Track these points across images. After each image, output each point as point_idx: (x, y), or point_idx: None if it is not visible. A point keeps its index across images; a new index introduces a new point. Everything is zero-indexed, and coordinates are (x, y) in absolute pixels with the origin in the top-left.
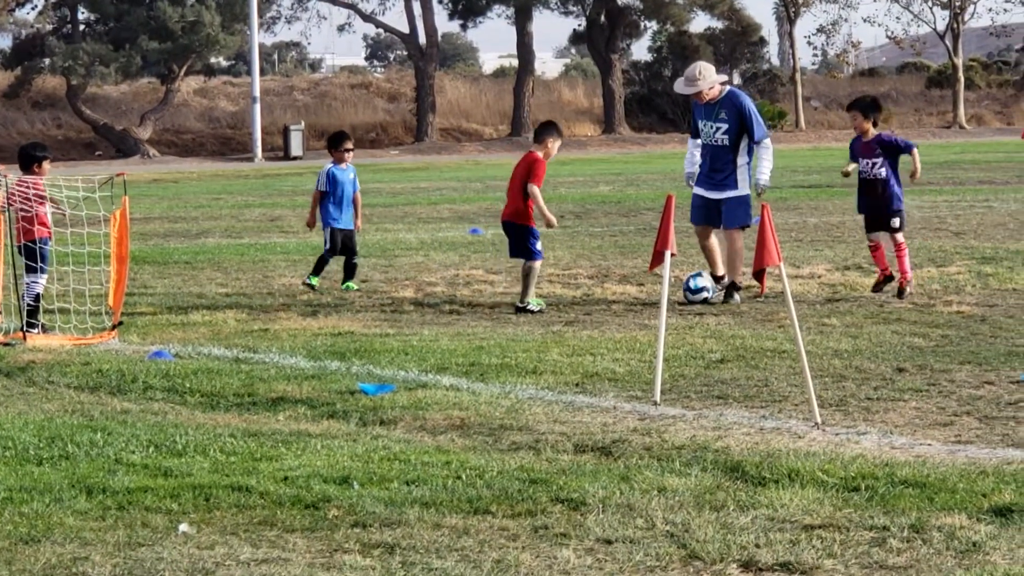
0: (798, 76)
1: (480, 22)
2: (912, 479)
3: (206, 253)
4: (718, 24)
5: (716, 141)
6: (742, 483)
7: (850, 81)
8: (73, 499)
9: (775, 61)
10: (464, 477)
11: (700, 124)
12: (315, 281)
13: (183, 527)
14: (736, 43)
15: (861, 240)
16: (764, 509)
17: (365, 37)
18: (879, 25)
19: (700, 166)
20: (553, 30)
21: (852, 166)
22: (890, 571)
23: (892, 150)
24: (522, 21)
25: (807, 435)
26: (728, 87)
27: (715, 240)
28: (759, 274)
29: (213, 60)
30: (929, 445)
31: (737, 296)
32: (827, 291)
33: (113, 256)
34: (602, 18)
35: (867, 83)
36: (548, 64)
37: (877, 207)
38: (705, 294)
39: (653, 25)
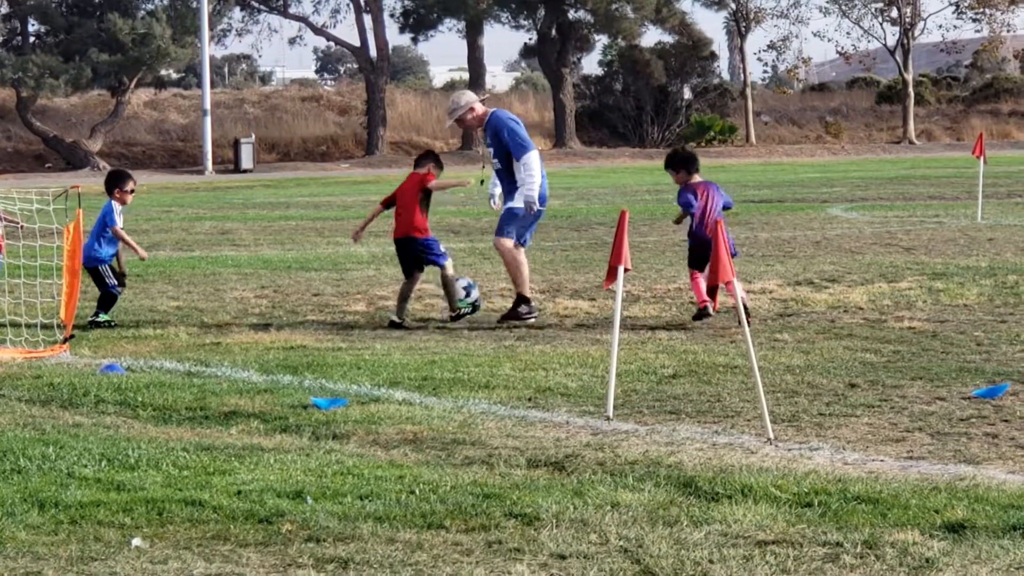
0: (748, 91)
1: (431, 36)
2: (865, 495)
3: (157, 266)
4: (669, 38)
5: (493, 165)
6: (695, 499)
7: (800, 96)
8: (25, 513)
9: (726, 76)
10: (418, 492)
11: (486, 154)
12: (106, 317)
13: (136, 541)
14: (687, 57)
15: (812, 255)
16: (717, 525)
17: (315, 50)
18: (829, 40)
19: None
20: (504, 44)
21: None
22: None
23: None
24: (473, 35)
25: (760, 450)
26: (492, 111)
27: (522, 256)
28: (712, 290)
29: (164, 72)
30: (882, 461)
31: (523, 308)
32: (779, 306)
33: (65, 269)
34: (553, 32)
35: (817, 98)
36: (499, 78)
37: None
38: (469, 300)
39: (604, 39)
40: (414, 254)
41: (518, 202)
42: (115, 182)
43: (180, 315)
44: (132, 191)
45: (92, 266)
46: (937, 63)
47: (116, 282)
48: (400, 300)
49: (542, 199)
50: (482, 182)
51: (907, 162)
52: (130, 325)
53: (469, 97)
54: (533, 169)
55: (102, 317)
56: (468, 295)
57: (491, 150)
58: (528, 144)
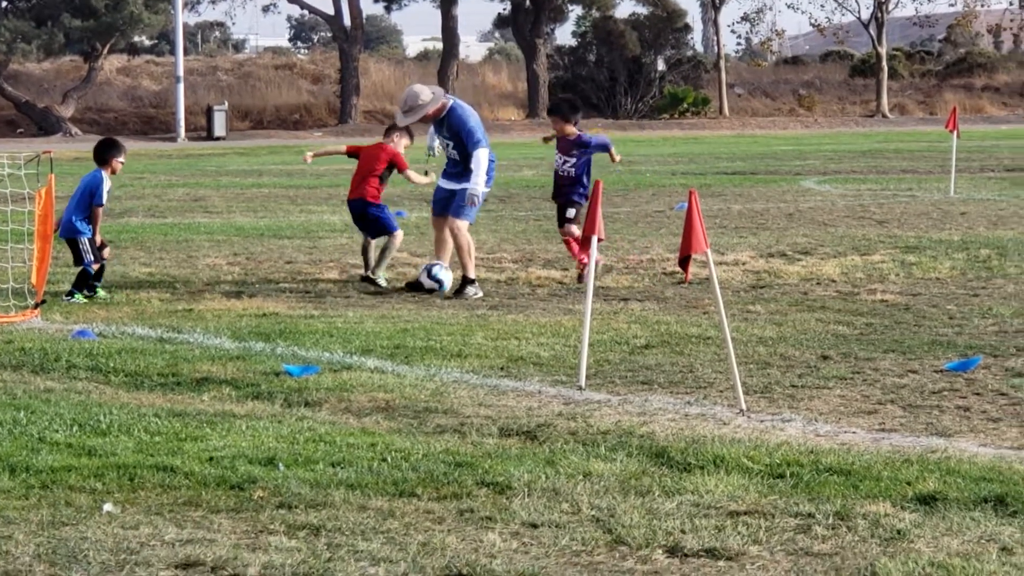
0: (722, 63)
1: (405, 5)
2: (837, 466)
3: (129, 232)
4: (643, 10)
5: (449, 155)
6: (667, 469)
7: (774, 69)
8: None
9: (699, 48)
10: (389, 459)
11: (438, 139)
12: (104, 293)
13: (107, 507)
14: (661, 29)
15: (785, 227)
16: (689, 495)
17: (289, 18)
18: (803, 13)
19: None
20: (478, 14)
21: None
22: (815, 558)
23: (587, 149)
24: (447, 4)
25: (732, 421)
26: (451, 102)
27: (448, 234)
28: (684, 261)
29: (136, 39)
30: (854, 433)
31: (471, 289)
32: (751, 278)
33: (37, 234)
34: (527, 2)
35: (791, 71)
36: (472, 48)
37: (562, 200)
38: (437, 287)
39: (578, 10)
40: (365, 219)
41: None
42: (111, 150)
43: (152, 281)
44: (123, 162)
45: (72, 237)
46: (910, 37)
47: (93, 258)
48: (364, 254)
49: (488, 180)
50: (426, 173)
51: (880, 135)
52: (102, 290)
53: (427, 95)
54: (482, 165)
55: (77, 297)
56: (438, 283)
57: (448, 141)
58: (482, 141)
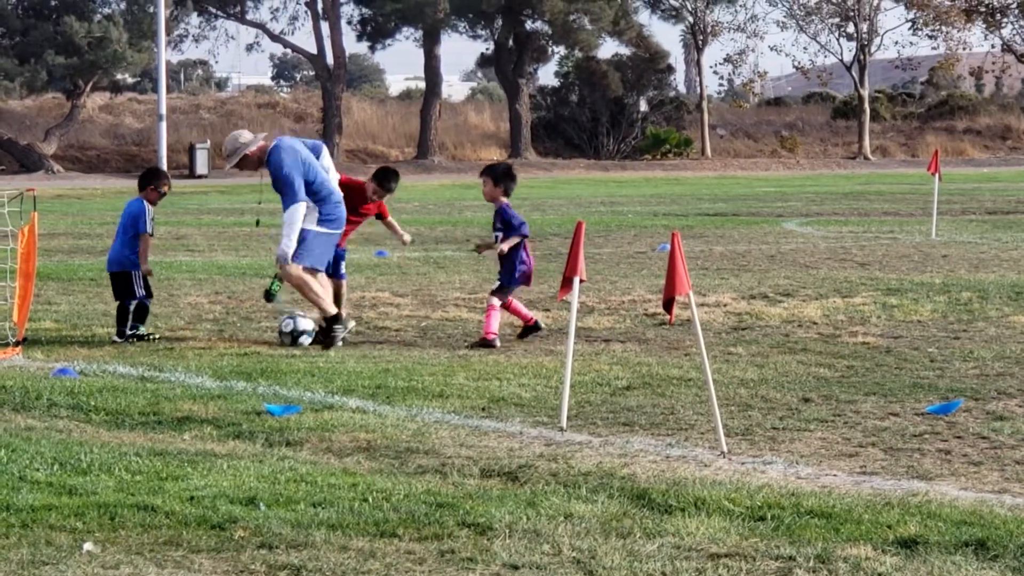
0: (705, 104)
1: (388, 44)
2: (818, 509)
3: None
4: (626, 51)
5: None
6: (648, 511)
7: (756, 110)
8: None
9: (682, 89)
10: (371, 500)
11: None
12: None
13: (88, 546)
14: (644, 70)
15: (767, 269)
16: (670, 537)
17: (272, 57)
18: (786, 55)
19: None
20: (460, 53)
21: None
22: None
23: (508, 231)
24: (430, 44)
25: (713, 464)
26: (270, 149)
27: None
28: (668, 303)
29: (119, 77)
30: (835, 476)
31: (338, 328)
32: (733, 320)
33: (19, 272)
34: (510, 42)
35: (773, 112)
36: (454, 87)
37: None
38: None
39: (561, 50)
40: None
41: (311, 224)
42: (151, 178)
43: None
44: (164, 194)
45: (123, 270)
46: (892, 79)
47: (145, 292)
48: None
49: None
50: (257, 223)
51: (862, 177)
52: (84, 328)
53: (246, 136)
54: (289, 226)
55: (142, 330)
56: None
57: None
58: (295, 196)
